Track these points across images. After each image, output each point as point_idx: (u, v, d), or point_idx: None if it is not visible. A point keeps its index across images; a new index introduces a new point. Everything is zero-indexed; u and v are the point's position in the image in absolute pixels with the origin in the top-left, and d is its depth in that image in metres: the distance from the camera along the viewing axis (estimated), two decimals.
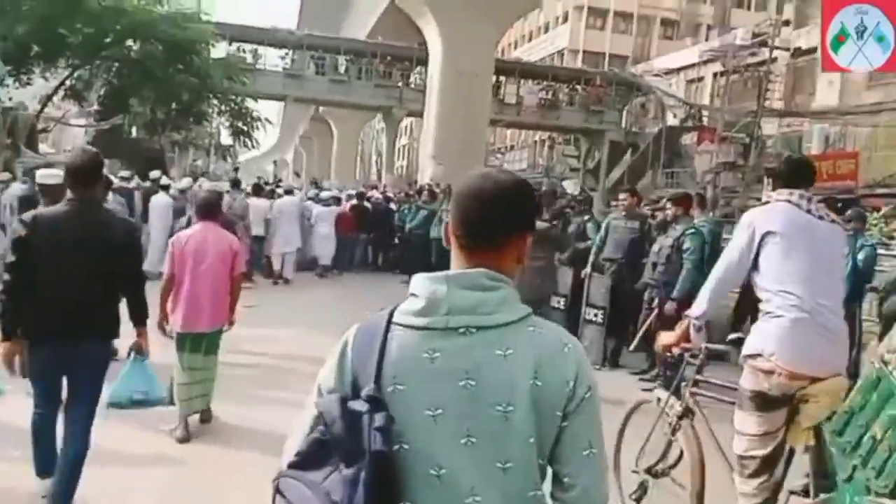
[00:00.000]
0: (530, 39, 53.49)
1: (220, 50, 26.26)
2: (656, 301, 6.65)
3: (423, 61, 32.36)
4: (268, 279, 12.36)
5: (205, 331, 4.85)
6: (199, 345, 4.86)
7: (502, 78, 32.94)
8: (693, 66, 35.67)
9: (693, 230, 6.44)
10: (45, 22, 17.73)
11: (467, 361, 1.28)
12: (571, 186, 9.07)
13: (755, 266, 3.03)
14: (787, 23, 28.05)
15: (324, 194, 13.90)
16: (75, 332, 3.30)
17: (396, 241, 14.89)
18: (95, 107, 23.53)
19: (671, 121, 32.99)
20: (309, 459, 1.29)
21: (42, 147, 20.46)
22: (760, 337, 2.98)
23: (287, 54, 32.11)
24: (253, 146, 25.74)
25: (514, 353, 1.29)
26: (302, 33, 32.61)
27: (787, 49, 27.06)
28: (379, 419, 1.23)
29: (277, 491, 1.30)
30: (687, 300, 6.48)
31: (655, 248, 7.02)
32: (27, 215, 3.40)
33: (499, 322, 1.30)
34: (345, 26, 42.04)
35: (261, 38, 31.09)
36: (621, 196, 7.97)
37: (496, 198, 1.35)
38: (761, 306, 3.03)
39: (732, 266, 3.11)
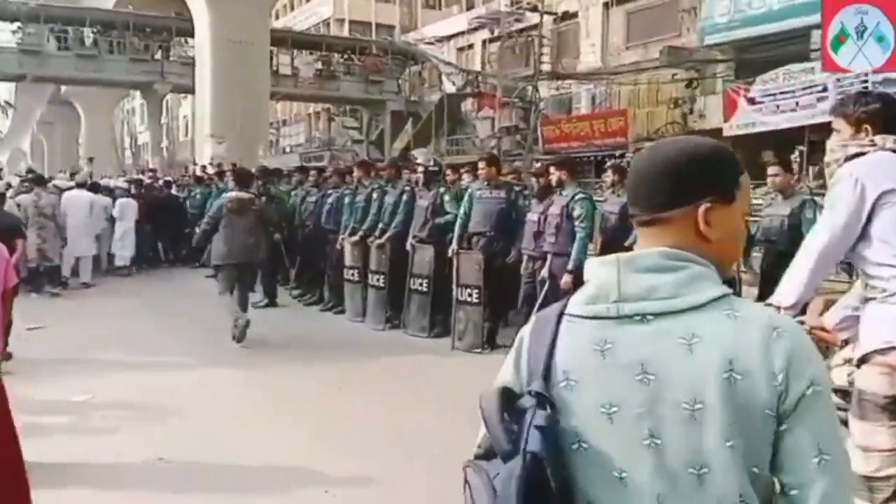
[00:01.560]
0: (292, 9, 51.43)
1: None
2: (546, 273, 6.10)
3: (185, 32, 29.79)
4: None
5: None
6: None
7: (274, 48, 31.08)
8: (462, 33, 36.28)
9: (583, 195, 5.94)
10: None
11: (644, 353, 1.14)
12: (423, 157, 8.28)
13: (864, 234, 2.39)
14: None
15: (121, 183, 12.00)
16: None
17: (195, 230, 13.18)
18: None
19: (450, 88, 33.27)
20: (488, 454, 1.23)
21: None
22: (891, 325, 2.34)
23: (20, 28, 27.71)
24: None
25: (702, 341, 1.12)
26: (36, 3, 28.24)
27: (554, 14, 28.18)
28: (539, 417, 1.13)
29: (466, 479, 1.23)
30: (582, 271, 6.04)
31: (533, 217, 6.47)
32: None
33: (680, 307, 1.14)
34: None
35: None
36: (480, 165, 7.35)
37: (653, 165, 1.24)
38: (875, 284, 2.39)
39: (836, 237, 2.41)
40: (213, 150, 22.29)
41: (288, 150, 41.73)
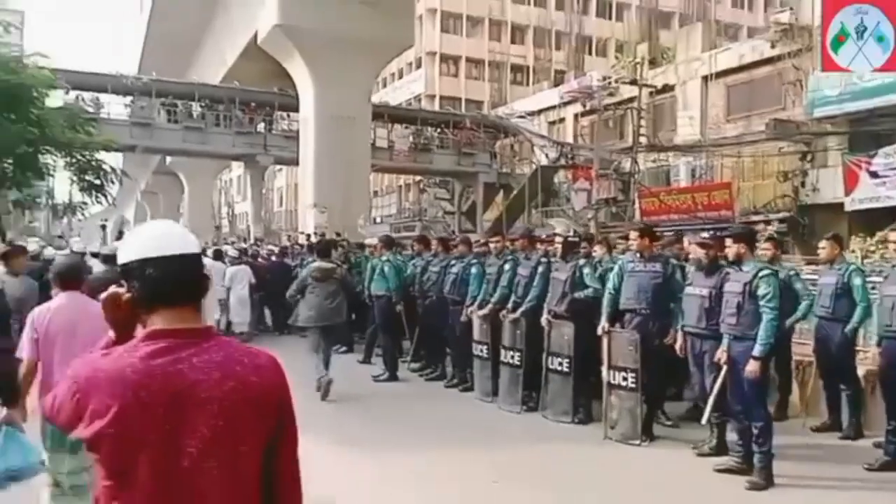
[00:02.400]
0: (385, 85, 53.08)
1: (55, 98, 23.30)
2: (721, 357, 5.47)
3: (287, 107, 30.89)
4: None
5: None
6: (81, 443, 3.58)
7: (371, 122, 31.80)
8: (553, 107, 36.48)
9: (769, 272, 5.32)
10: None
11: None
12: (561, 226, 7.82)
13: None
14: (653, 62, 29.21)
15: (232, 252, 12.04)
16: None
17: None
18: None
19: (542, 161, 33.18)
20: None
21: None
22: None
23: (132, 101, 29.22)
24: (109, 202, 22.79)
25: None
26: (149, 78, 29.85)
27: (653, 87, 27.93)
28: None
29: None
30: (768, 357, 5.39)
31: (700, 291, 5.86)
32: None
33: None
34: (193, 71, 39.36)
35: (103, 84, 28.10)
36: (631, 235, 6.83)
37: None
38: None
39: None
40: (316, 220, 22.57)
41: (379, 220, 42.28)
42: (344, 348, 11.01)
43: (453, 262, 9.12)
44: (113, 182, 21.11)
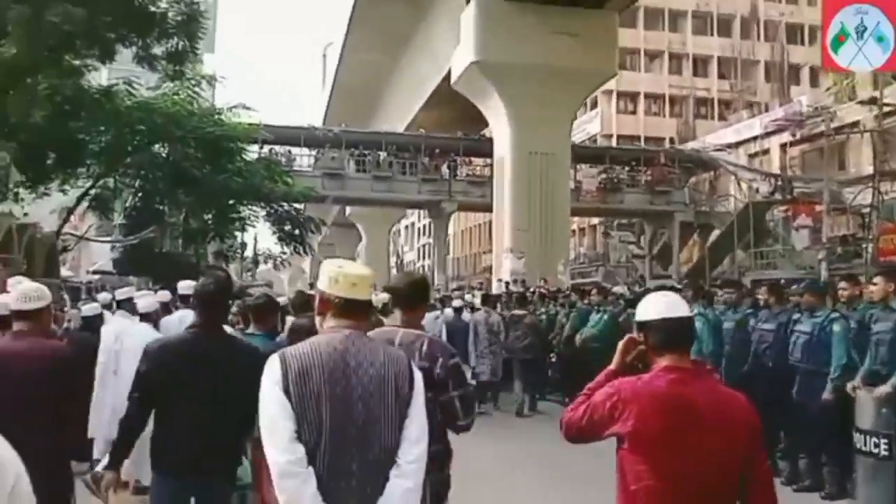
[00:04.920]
0: None
1: (251, 152, 23.51)
2: None
3: (471, 151, 30.12)
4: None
5: None
6: None
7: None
8: (755, 138, 33.35)
9: None
10: (61, 128, 14.57)
11: None
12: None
13: None
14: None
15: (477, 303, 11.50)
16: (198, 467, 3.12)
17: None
18: (121, 220, 20.32)
19: (750, 196, 29.93)
20: None
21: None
22: None
23: (322, 153, 29.34)
24: (307, 252, 22.42)
25: None
26: (340, 129, 29.96)
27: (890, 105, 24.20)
28: None
29: None
30: None
31: None
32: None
33: None
34: (377, 120, 39.69)
35: (296, 137, 28.42)
36: None
37: None
38: None
39: None
40: (512, 265, 20.96)
41: None
42: None
43: (797, 316, 6.83)
44: (312, 232, 20.69)
